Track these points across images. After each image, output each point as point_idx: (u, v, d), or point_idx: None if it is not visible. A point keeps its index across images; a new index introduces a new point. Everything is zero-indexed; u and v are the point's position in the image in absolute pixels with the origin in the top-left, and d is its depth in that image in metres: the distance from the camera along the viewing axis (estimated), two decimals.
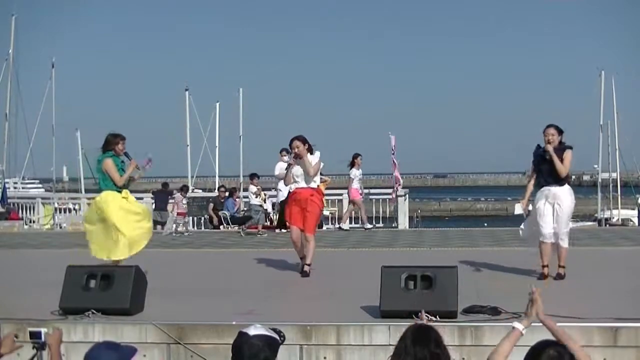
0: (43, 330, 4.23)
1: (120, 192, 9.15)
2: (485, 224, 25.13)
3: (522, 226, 9.71)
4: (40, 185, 32.49)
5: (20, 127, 33.62)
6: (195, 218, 21.06)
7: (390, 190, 20.36)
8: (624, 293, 8.08)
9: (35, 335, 4.20)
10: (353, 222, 18.91)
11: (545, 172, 9.10)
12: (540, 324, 6.58)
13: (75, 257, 12.14)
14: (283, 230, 16.41)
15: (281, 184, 16.99)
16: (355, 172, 17.35)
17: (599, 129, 38.54)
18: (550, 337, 3.84)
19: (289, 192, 10.06)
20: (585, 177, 79.08)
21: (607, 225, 28.64)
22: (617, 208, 35.72)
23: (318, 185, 9.96)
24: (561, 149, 9.05)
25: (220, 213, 19.51)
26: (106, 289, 7.20)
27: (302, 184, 9.74)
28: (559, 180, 9.04)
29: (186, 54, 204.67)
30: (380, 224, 20.12)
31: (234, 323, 6.54)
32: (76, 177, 43.14)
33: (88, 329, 6.88)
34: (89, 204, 22.54)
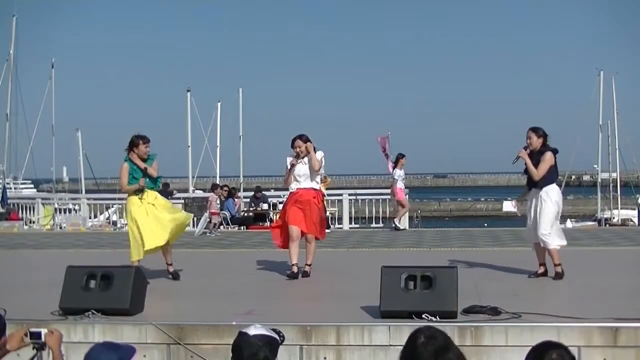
0: (43, 330, 4.23)
1: (141, 193, 9.23)
2: (485, 224, 25.13)
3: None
4: (32, 186, 32.43)
5: (21, 127, 33.67)
6: (195, 218, 21.02)
7: (389, 191, 20.37)
8: (624, 293, 8.08)
9: (35, 335, 4.20)
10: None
11: (528, 176, 9.23)
12: (540, 323, 6.60)
13: (75, 257, 12.19)
14: None
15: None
16: (399, 172, 17.45)
17: (599, 129, 38.55)
18: (551, 337, 3.83)
19: (290, 192, 9.85)
20: (586, 177, 79.09)
21: (607, 225, 28.64)
22: (617, 208, 35.73)
23: (320, 187, 9.90)
24: (540, 152, 9.06)
25: (220, 213, 19.50)
26: (106, 289, 7.20)
27: (304, 184, 9.60)
28: (538, 183, 9.07)
29: (186, 54, 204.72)
30: (380, 224, 20.13)
31: (234, 323, 6.54)
32: (76, 178, 43.12)
33: (88, 329, 6.88)
34: (89, 205, 22.69)
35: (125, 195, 9.71)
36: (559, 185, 9.60)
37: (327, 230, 15.86)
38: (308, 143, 9.57)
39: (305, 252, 9.73)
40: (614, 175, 38.70)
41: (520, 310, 6.87)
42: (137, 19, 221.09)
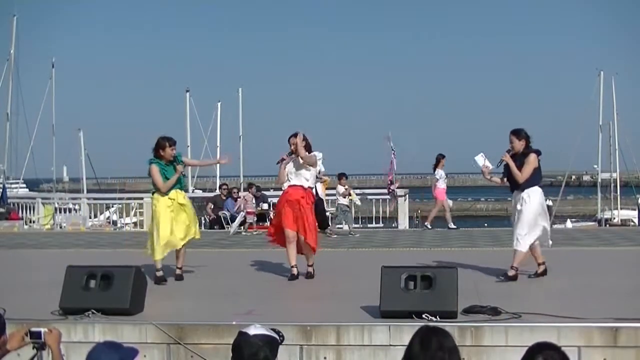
0: (43, 330, 4.22)
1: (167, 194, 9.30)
2: (485, 224, 25.13)
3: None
4: (24, 186, 32.40)
5: (21, 127, 33.67)
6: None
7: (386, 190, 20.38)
8: (624, 293, 8.08)
9: (35, 335, 4.20)
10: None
11: (510, 179, 9.15)
12: (540, 323, 6.60)
13: (75, 257, 12.19)
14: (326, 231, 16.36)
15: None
16: (441, 173, 17.46)
17: (599, 129, 38.55)
18: (547, 339, 3.83)
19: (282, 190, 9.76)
20: (586, 178, 79.05)
21: (607, 226, 28.64)
22: (617, 208, 35.73)
23: (309, 187, 9.65)
24: (524, 154, 8.98)
25: (220, 213, 19.48)
26: (106, 289, 7.20)
27: (294, 181, 9.49)
28: (520, 186, 8.99)
29: (186, 54, 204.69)
30: (380, 224, 20.12)
31: (234, 323, 6.54)
32: (76, 177, 43.14)
33: (88, 329, 6.88)
34: (89, 204, 22.69)
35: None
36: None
37: (326, 231, 15.92)
38: (296, 138, 9.42)
39: (304, 256, 9.66)
40: (614, 175, 38.70)
41: (520, 310, 6.87)
42: (138, 19, 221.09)
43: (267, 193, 22.16)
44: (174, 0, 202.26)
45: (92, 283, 7.28)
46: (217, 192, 21.23)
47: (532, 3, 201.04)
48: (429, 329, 3.42)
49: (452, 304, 6.74)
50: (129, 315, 7.08)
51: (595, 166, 40.73)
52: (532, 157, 8.97)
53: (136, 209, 22.37)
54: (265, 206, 20.33)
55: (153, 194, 9.51)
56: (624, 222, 31.92)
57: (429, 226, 17.22)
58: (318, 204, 16.50)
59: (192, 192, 29.97)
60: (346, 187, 17.26)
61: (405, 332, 6.27)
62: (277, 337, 3.57)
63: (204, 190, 32.91)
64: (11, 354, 4.24)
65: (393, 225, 19.61)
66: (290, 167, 9.53)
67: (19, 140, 33.61)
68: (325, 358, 6.61)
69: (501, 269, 10.24)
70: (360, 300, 7.49)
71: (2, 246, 14.71)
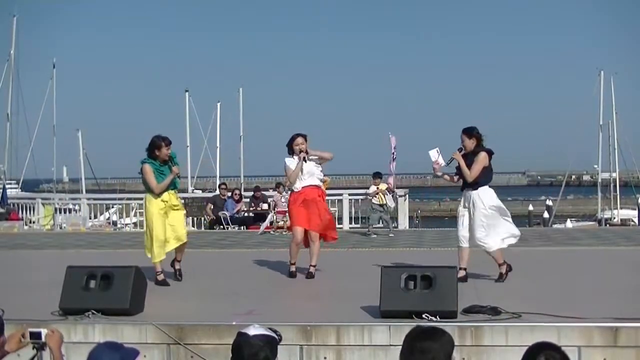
0: (43, 330, 4.22)
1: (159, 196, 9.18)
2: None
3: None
4: (16, 186, 32.38)
5: (22, 128, 33.66)
6: (195, 219, 21.04)
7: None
8: (624, 293, 8.08)
9: (35, 336, 4.20)
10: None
11: (461, 178, 8.99)
12: (540, 323, 6.59)
13: (75, 257, 12.19)
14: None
15: None
16: None
17: (599, 129, 38.57)
18: (547, 339, 3.83)
19: (293, 191, 9.79)
20: (586, 177, 79.06)
21: (608, 225, 28.65)
22: (617, 208, 35.74)
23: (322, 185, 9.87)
24: (474, 152, 8.83)
25: (220, 213, 19.47)
26: (106, 289, 7.20)
27: (308, 182, 9.53)
28: (473, 184, 8.85)
29: (187, 54, 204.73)
30: (380, 224, 20.11)
31: (234, 323, 6.54)
32: (76, 178, 43.13)
33: (88, 330, 6.88)
34: (89, 205, 22.70)
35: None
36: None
37: (366, 232, 15.85)
38: (305, 142, 9.52)
39: (310, 255, 9.67)
40: (614, 175, 38.72)
41: (520, 310, 6.87)
42: (138, 20, 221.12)
43: (267, 193, 22.17)
44: (174, 0, 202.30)
45: (92, 283, 7.28)
46: (217, 192, 21.20)
47: (532, 3, 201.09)
48: (419, 330, 3.42)
49: (452, 304, 6.74)
50: (129, 316, 7.08)
51: (596, 166, 40.76)
52: (482, 155, 8.80)
53: (136, 209, 22.37)
54: (265, 206, 20.34)
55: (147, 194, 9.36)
56: (624, 222, 31.93)
57: None
58: None
59: (192, 192, 29.99)
60: (378, 187, 16.98)
61: (405, 332, 6.25)
62: (276, 337, 3.57)
63: (203, 191, 32.90)
64: (11, 355, 4.24)
65: (393, 225, 19.60)
66: (304, 167, 9.55)
67: (19, 141, 33.64)
68: (325, 358, 6.61)
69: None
70: (360, 300, 7.49)
71: (2, 246, 14.71)
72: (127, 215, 22.87)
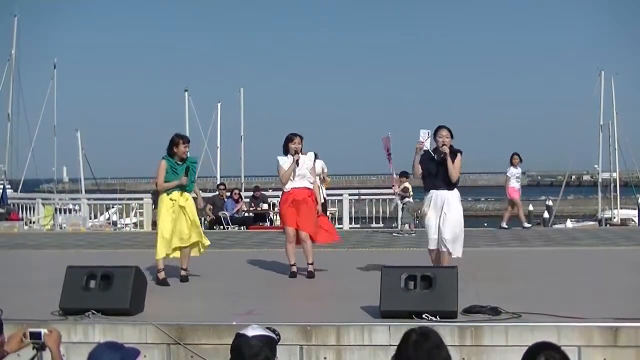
0: (43, 330, 4.22)
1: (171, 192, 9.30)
2: (485, 224, 25.13)
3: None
4: (9, 186, 32.33)
5: (22, 128, 33.59)
6: None
7: (390, 190, 20.37)
8: (625, 293, 8.09)
9: (35, 336, 4.20)
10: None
11: (435, 175, 8.64)
12: (540, 323, 6.59)
13: (75, 257, 12.19)
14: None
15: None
16: (513, 171, 17.12)
17: (599, 129, 38.55)
18: (547, 339, 3.83)
19: (284, 191, 9.82)
20: (586, 177, 79.04)
21: (608, 225, 28.64)
22: (617, 208, 35.72)
23: (311, 187, 9.76)
24: (453, 152, 8.61)
25: (220, 213, 19.48)
26: (106, 289, 7.20)
27: (299, 184, 9.59)
28: (449, 184, 8.67)
29: (187, 54, 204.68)
30: (380, 224, 20.13)
31: (234, 323, 6.54)
32: (76, 178, 43.09)
33: (88, 330, 6.88)
34: (89, 205, 22.71)
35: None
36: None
37: (393, 233, 15.71)
38: (300, 143, 9.55)
39: (304, 253, 9.70)
40: (614, 175, 38.69)
41: (520, 310, 6.87)
42: (138, 20, 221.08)
43: (267, 193, 22.18)
44: (174, 0, 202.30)
45: (92, 283, 7.28)
46: (216, 192, 21.20)
47: (532, 3, 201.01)
48: (414, 332, 3.42)
49: (452, 304, 6.74)
50: (129, 316, 7.08)
51: (596, 166, 40.70)
52: (460, 156, 8.66)
53: (136, 209, 22.37)
54: (265, 206, 20.35)
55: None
56: (624, 222, 31.91)
57: (527, 225, 17.06)
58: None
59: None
60: (400, 186, 16.82)
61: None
62: (275, 337, 3.57)
63: (204, 191, 32.89)
64: (11, 355, 4.24)
65: (393, 225, 19.61)
66: (295, 169, 9.59)
67: (19, 141, 33.57)
68: (325, 358, 6.62)
69: (501, 268, 10.27)
70: (360, 300, 7.49)
71: (2, 246, 14.71)
72: (127, 216, 22.86)
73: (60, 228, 21.25)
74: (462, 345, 6.45)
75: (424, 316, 6.58)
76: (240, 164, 42.46)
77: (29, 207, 22.88)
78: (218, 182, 24.20)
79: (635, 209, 33.34)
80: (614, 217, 33.71)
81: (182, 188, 9.32)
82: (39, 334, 4.11)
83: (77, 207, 23.91)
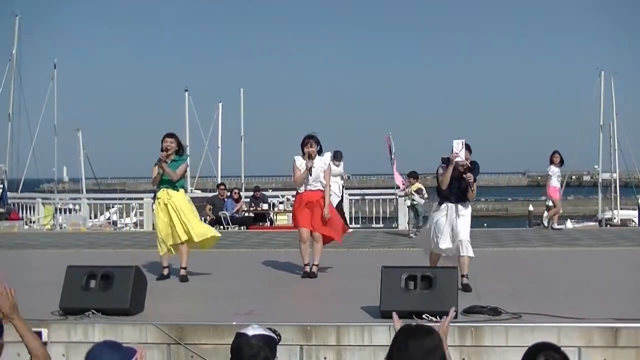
0: (43, 330, 4.22)
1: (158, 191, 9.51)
2: (485, 224, 25.16)
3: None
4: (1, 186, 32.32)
5: (23, 127, 33.64)
6: None
7: (391, 191, 20.38)
8: (625, 293, 8.09)
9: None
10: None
11: (453, 192, 8.46)
12: (540, 323, 6.58)
13: (75, 257, 12.18)
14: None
15: (333, 186, 16.82)
16: (554, 169, 16.93)
17: (600, 130, 38.58)
18: (547, 339, 3.83)
19: (297, 193, 9.94)
20: (586, 178, 79.07)
21: (608, 226, 28.64)
22: (617, 208, 35.74)
23: (324, 189, 9.84)
24: (474, 169, 8.40)
25: (220, 213, 19.47)
26: (106, 289, 7.20)
27: (312, 187, 9.66)
28: (464, 200, 8.51)
29: (187, 54, 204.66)
30: (381, 224, 20.13)
31: (234, 323, 6.54)
32: (76, 178, 43.11)
33: (88, 329, 6.88)
34: (89, 205, 22.71)
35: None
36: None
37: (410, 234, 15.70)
38: (312, 147, 9.58)
39: (312, 253, 9.75)
40: (614, 175, 38.72)
41: (520, 310, 6.87)
42: (139, 20, 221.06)
43: (267, 193, 22.17)
44: (175, 0, 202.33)
45: (92, 283, 7.28)
46: (216, 192, 21.20)
47: (532, 3, 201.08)
48: (408, 329, 3.41)
49: (452, 304, 6.71)
50: (129, 315, 7.08)
51: (596, 166, 40.74)
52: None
53: (136, 209, 22.37)
54: (265, 206, 20.35)
55: None
56: (624, 222, 31.92)
57: (557, 226, 16.91)
58: (339, 202, 16.58)
59: (191, 192, 30.00)
60: (411, 186, 16.53)
61: None
62: (275, 337, 3.56)
63: (203, 191, 32.89)
64: (11, 354, 4.23)
65: (393, 225, 19.61)
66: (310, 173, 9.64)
67: (20, 141, 33.60)
68: (325, 358, 6.62)
69: (501, 269, 10.26)
70: (360, 300, 7.49)
71: (2, 246, 14.71)
72: (127, 216, 22.87)
73: (60, 228, 21.25)
74: (462, 346, 6.46)
75: (424, 316, 6.58)
76: (240, 164, 42.52)
77: (29, 207, 22.88)
78: (218, 182, 24.20)
79: (635, 209, 33.38)
80: (614, 218, 33.74)
81: (168, 186, 9.38)
82: (39, 334, 4.11)
83: (77, 207, 23.91)
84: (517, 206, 54.59)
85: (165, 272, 9.46)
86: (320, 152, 9.71)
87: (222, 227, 19.20)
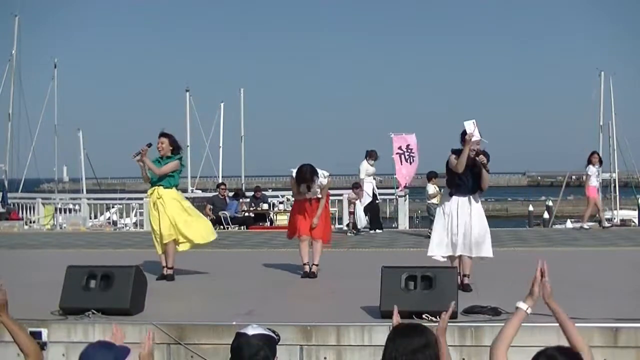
0: (43, 330, 4.21)
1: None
2: None
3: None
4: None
5: (23, 127, 33.62)
6: None
7: (391, 191, 20.36)
8: (625, 293, 8.09)
9: (35, 336, 4.20)
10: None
11: (466, 180, 8.29)
12: (540, 323, 6.57)
13: (75, 257, 12.18)
14: (378, 231, 16.77)
15: (367, 186, 16.86)
16: (593, 169, 16.84)
17: (599, 130, 38.55)
18: (547, 339, 3.83)
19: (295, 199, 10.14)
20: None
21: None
22: (617, 209, 35.71)
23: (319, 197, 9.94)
24: (487, 155, 8.23)
25: (220, 213, 19.47)
26: (106, 289, 7.20)
27: (308, 196, 9.76)
28: (477, 190, 8.38)
29: (187, 54, 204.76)
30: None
31: (234, 323, 6.55)
32: (76, 177, 43.11)
33: (88, 329, 6.88)
34: (89, 205, 22.71)
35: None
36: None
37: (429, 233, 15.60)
38: (310, 182, 9.58)
39: (312, 253, 9.81)
40: (614, 175, 38.69)
41: None
42: (139, 20, 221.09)
43: (267, 193, 22.17)
44: (175, 0, 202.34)
45: (92, 283, 7.28)
46: (216, 192, 21.19)
47: (532, 3, 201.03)
48: (401, 327, 3.43)
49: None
50: (129, 315, 7.08)
51: None
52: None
53: (136, 209, 22.36)
54: (265, 206, 20.35)
55: None
56: (624, 223, 31.90)
57: (586, 226, 16.88)
58: (371, 202, 16.57)
59: (192, 192, 30.00)
60: (436, 186, 16.43)
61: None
62: (274, 336, 3.57)
63: (204, 191, 32.91)
64: (11, 354, 4.24)
65: (393, 225, 19.61)
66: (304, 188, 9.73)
67: (20, 140, 33.57)
68: (325, 358, 6.62)
69: (501, 269, 10.25)
70: (360, 300, 7.49)
71: (2, 246, 14.71)
72: (128, 216, 22.86)
73: (60, 228, 21.25)
74: (462, 346, 6.46)
75: (424, 316, 6.58)
76: (240, 164, 42.52)
77: (29, 207, 22.88)
78: (219, 182, 24.22)
79: (635, 209, 33.36)
80: (614, 218, 33.72)
81: (159, 184, 9.41)
82: (39, 333, 4.11)
83: (77, 207, 23.90)
84: (517, 206, 54.52)
85: (165, 272, 9.47)
86: (315, 175, 9.59)
87: (222, 227, 19.21)
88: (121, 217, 23.18)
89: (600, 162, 17.11)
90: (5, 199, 23.29)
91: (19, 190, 28.39)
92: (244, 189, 27.32)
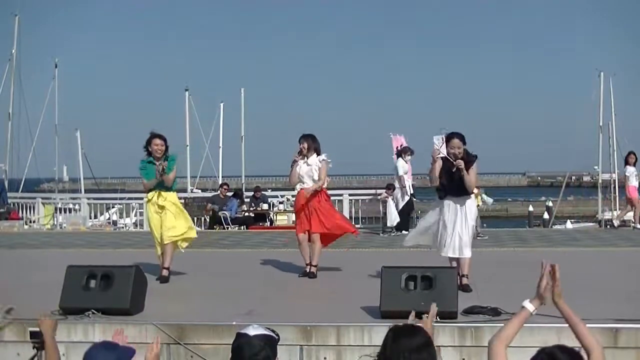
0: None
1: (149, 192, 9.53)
2: (485, 224, 25.11)
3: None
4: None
5: (23, 127, 33.60)
6: (195, 219, 21.02)
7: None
8: (624, 294, 8.08)
9: (35, 335, 4.19)
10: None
11: (450, 185, 8.37)
12: (540, 323, 6.57)
13: (75, 257, 12.18)
14: (404, 232, 16.46)
15: (407, 183, 16.69)
16: (631, 170, 16.86)
17: (599, 130, 38.55)
18: (547, 339, 3.83)
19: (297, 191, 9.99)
20: (586, 178, 79.03)
21: (608, 227, 28.58)
22: (617, 209, 35.70)
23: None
24: (469, 160, 8.30)
25: (220, 213, 19.47)
26: (106, 289, 7.20)
27: (307, 184, 9.68)
28: (465, 193, 8.43)
29: (187, 54, 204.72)
30: (380, 224, 20.09)
31: (234, 323, 6.55)
32: (76, 177, 43.08)
33: (88, 329, 6.88)
34: (89, 204, 22.70)
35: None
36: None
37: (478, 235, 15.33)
38: (305, 142, 9.60)
39: (310, 253, 9.79)
40: (613, 176, 38.68)
41: None
42: (139, 20, 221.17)
43: (267, 193, 22.17)
44: (176, 0, 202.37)
45: (92, 283, 7.28)
46: (217, 192, 21.20)
47: (531, 4, 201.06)
48: (397, 328, 3.43)
49: (453, 304, 6.74)
50: (129, 315, 7.08)
51: (596, 167, 40.64)
52: (476, 164, 8.40)
53: (136, 209, 22.36)
54: (265, 206, 20.35)
55: None
56: (624, 223, 31.88)
57: (639, 226, 16.98)
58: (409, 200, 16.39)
59: (191, 192, 29.99)
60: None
61: None
62: (275, 336, 3.57)
63: (204, 190, 32.90)
64: (11, 354, 4.23)
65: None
66: (301, 169, 9.68)
67: (20, 140, 33.55)
68: (325, 358, 6.62)
69: (502, 269, 10.26)
70: (360, 300, 7.49)
71: (2, 246, 14.70)
72: (127, 215, 22.86)
73: (60, 227, 21.25)
74: (462, 346, 6.45)
75: (424, 316, 6.57)
76: (240, 164, 42.49)
77: (29, 207, 22.87)
78: (220, 182, 24.22)
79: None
80: (614, 219, 33.72)
81: (161, 187, 9.40)
82: (39, 333, 4.10)
83: (77, 207, 23.89)
84: (517, 206, 54.49)
85: (164, 272, 9.46)
86: (317, 152, 9.70)
87: (222, 227, 19.22)
88: (121, 217, 23.18)
89: (637, 159, 17.05)
90: (5, 198, 23.28)
91: (20, 190, 28.39)
92: (244, 189, 27.32)
